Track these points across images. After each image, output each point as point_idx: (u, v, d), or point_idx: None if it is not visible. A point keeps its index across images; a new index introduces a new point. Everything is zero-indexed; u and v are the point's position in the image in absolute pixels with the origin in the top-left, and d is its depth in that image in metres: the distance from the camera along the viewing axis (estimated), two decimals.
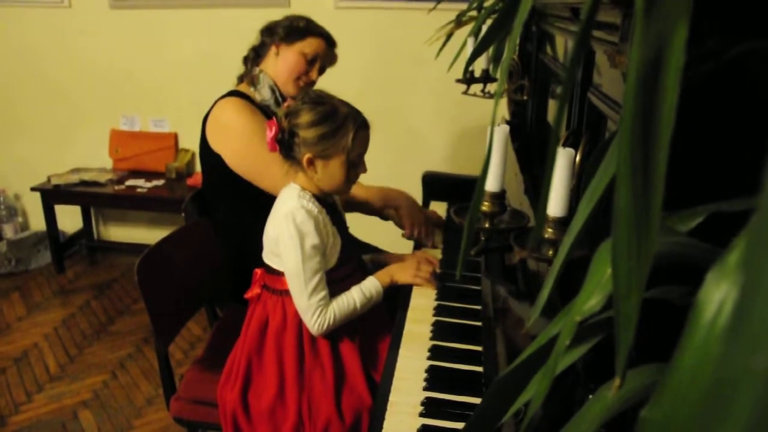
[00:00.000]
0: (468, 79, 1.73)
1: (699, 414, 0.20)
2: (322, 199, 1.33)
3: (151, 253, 1.45)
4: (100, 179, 3.14)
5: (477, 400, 1.09)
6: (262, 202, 1.60)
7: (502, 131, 0.95)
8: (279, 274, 1.33)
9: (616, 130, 0.69)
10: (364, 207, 1.78)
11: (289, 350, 1.31)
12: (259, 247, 1.38)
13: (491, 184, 0.96)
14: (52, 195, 3.14)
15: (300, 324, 1.31)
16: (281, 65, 1.71)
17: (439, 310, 1.39)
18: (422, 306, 1.41)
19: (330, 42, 1.77)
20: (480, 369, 1.18)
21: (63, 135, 3.42)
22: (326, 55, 1.77)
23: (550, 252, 0.78)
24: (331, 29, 1.78)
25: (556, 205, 0.77)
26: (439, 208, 2.03)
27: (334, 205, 1.39)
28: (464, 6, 1.58)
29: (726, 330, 0.21)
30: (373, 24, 2.91)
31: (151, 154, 3.28)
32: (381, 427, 1.04)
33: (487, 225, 0.99)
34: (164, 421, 2.11)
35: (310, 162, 1.27)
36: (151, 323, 1.43)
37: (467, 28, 1.72)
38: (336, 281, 1.32)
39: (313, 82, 1.75)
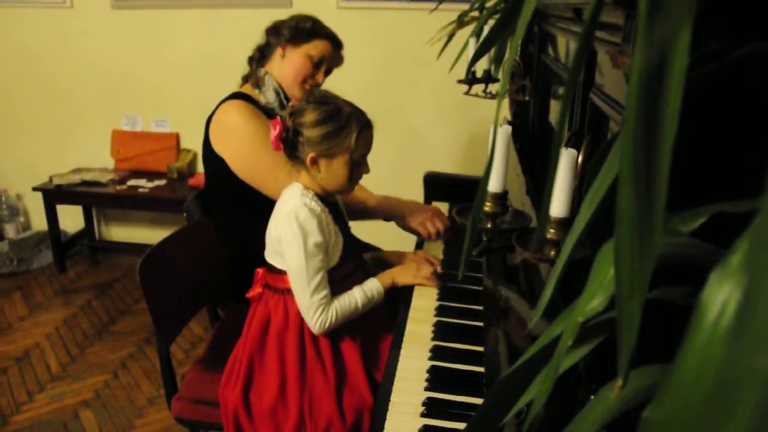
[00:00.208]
0: (470, 79, 1.73)
1: (702, 414, 0.20)
2: (325, 198, 1.34)
3: (152, 253, 1.46)
4: (102, 179, 3.14)
5: (478, 401, 1.09)
6: (264, 203, 1.60)
7: (504, 132, 0.95)
8: (281, 273, 1.33)
9: (618, 131, 0.69)
10: (370, 216, 1.77)
11: (290, 349, 1.32)
12: (261, 247, 1.38)
13: (494, 185, 0.96)
14: (53, 195, 3.14)
15: (302, 323, 1.31)
16: (287, 67, 1.69)
17: (440, 311, 1.39)
18: (423, 306, 1.41)
19: (336, 43, 1.74)
20: (481, 369, 1.18)
21: (65, 135, 3.42)
22: (333, 57, 1.74)
23: (552, 252, 0.78)
24: (332, 29, 1.77)
25: (558, 205, 0.77)
26: (441, 208, 2.03)
27: (336, 204, 1.40)
28: (466, 6, 1.58)
29: (729, 331, 0.21)
30: (375, 24, 2.91)
31: (153, 154, 3.28)
32: (382, 428, 1.04)
33: (489, 225, 0.99)
34: (166, 421, 2.11)
35: (314, 161, 1.28)
36: (152, 323, 1.44)
37: (469, 29, 1.72)
38: (338, 280, 1.33)
39: (319, 85, 1.74)
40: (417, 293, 1.47)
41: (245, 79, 1.77)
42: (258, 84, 1.71)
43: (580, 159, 0.83)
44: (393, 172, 2.95)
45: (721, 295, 0.21)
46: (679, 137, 0.24)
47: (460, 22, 1.70)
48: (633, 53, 0.25)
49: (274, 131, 1.28)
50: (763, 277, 0.19)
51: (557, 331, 0.39)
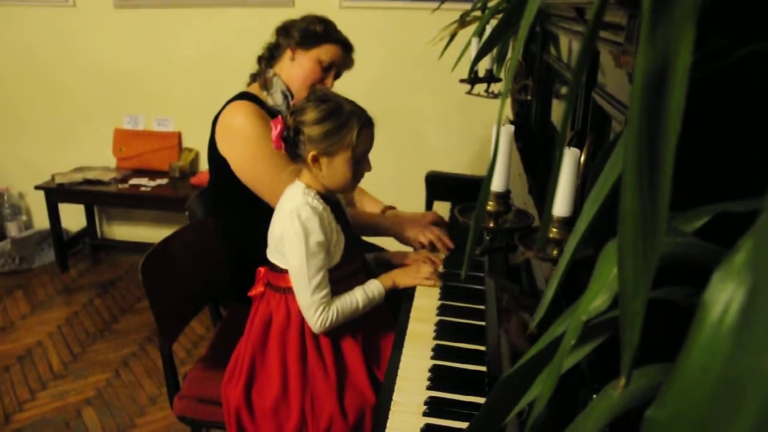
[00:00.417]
0: (472, 79, 1.73)
1: (705, 414, 0.20)
2: (327, 196, 1.34)
3: (155, 251, 1.46)
4: (104, 178, 3.15)
5: (481, 400, 1.09)
6: (265, 203, 1.60)
7: (507, 131, 0.95)
8: (283, 272, 1.33)
9: (621, 130, 0.69)
10: (380, 233, 1.76)
11: (292, 348, 1.32)
12: (262, 246, 1.38)
13: (496, 184, 0.96)
14: (55, 193, 3.15)
15: (303, 322, 1.32)
16: (296, 71, 1.67)
17: (442, 310, 1.39)
18: (426, 305, 1.41)
19: (347, 48, 1.71)
20: (483, 369, 1.18)
21: (67, 134, 3.43)
22: (343, 61, 1.71)
23: (555, 252, 0.78)
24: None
25: (561, 204, 0.77)
26: (442, 208, 2.03)
27: (338, 203, 1.40)
28: (468, 6, 1.58)
29: (733, 330, 0.21)
30: (377, 24, 2.91)
31: (155, 153, 3.28)
32: (384, 426, 1.04)
33: (491, 224, 0.99)
34: (168, 419, 2.11)
35: (315, 159, 1.28)
36: (154, 321, 1.44)
37: (471, 28, 1.72)
38: (339, 279, 1.33)
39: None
40: (419, 292, 1.47)
41: (253, 78, 1.75)
42: (266, 85, 1.68)
43: (582, 158, 0.83)
44: (395, 171, 2.95)
45: (724, 295, 0.21)
46: (683, 137, 0.24)
47: (463, 21, 1.70)
48: (636, 53, 0.25)
49: (275, 130, 1.28)
50: (767, 277, 0.19)
51: (560, 330, 0.39)
